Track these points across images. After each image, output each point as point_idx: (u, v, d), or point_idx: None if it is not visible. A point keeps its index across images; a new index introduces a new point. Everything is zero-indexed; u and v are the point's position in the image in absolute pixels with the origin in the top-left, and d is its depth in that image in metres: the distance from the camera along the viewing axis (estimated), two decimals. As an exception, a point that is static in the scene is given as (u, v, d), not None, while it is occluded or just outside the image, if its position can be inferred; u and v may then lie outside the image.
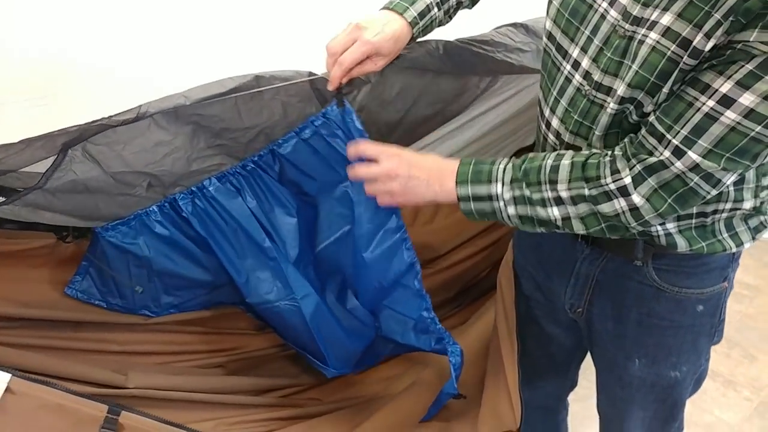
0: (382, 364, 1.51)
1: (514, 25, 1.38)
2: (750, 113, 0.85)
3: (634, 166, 0.96)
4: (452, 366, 1.26)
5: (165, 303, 1.34)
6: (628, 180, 0.97)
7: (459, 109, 1.49)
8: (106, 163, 1.10)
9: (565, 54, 1.07)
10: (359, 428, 1.27)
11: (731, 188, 1.03)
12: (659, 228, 1.06)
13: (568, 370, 1.51)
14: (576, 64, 1.05)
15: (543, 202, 1.04)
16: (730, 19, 0.84)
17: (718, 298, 1.17)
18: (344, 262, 1.33)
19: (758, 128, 0.86)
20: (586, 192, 1.00)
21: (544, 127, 1.14)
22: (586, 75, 1.03)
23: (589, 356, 1.41)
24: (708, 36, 0.87)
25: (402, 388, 1.42)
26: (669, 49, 0.90)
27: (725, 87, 0.86)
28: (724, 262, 1.14)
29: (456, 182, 1.09)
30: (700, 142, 0.90)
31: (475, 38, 1.31)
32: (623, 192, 0.98)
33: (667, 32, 0.90)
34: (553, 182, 1.03)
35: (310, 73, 1.18)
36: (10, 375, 0.90)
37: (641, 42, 0.94)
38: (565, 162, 1.02)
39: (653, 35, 0.92)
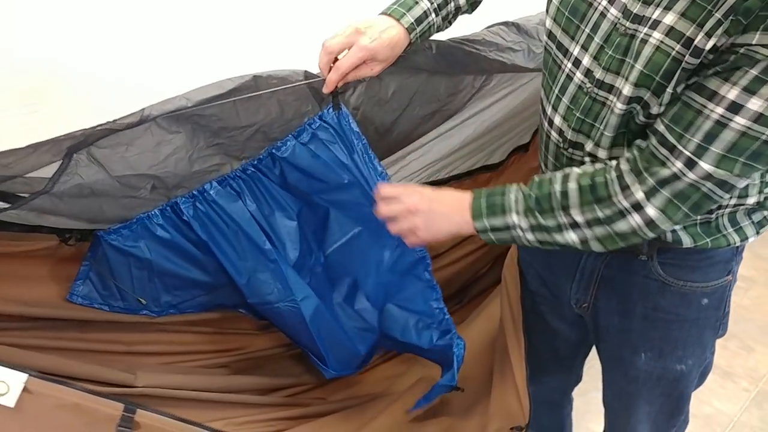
0: (384, 363, 1.54)
1: (505, 24, 1.40)
2: (759, 117, 0.87)
3: (647, 179, 0.97)
4: (456, 358, 1.28)
5: (164, 302, 1.36)
6: (640, 195, 0.98)
7: (455, 109, 1.52)
8: (111, 166, 1.12)
9: (565, 52, 1.09)
10: (366, 427, 1.30)
11: None
12: None
13: (573, 364, 1.53)
14: (577, 62, 1.07)
15: (559, 228, 1.06)
16: (731, 18, 0.86)
17: (723, 292, 1.19)
18: (356, 263, 1.35)
19: None
20: (600, 214, 1.02)
21: (546, 124, 1.16)
22: (588, 73, 1.05)
23: (593, 351, 1.43)
24: (708, 35, 0.88)
25: (406, 386, 1.44)
26: (674, 49, 0.92)
27: (732, 93, 0.88)
28: (728, 256, 1.15)
29: (472, 217, 1.11)
30: (712, 148, 0.91)
31: (467, 38, 1.33)
32: (637, 207, 0.99)
33: (670, 32, 0.92)
34: (566, 208, 1.04)
35: (306, 72, 1.20)
36: (27, 375, 0.92)
37: (644, 41, 0.95)
38: (572, 186, 1.04)
39: (657, 34, 0.93)
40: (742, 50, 0.86)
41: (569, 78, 1.09)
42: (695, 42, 0.89)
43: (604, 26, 1.02)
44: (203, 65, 1.74)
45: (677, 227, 1.08)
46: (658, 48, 0.93)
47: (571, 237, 1.06)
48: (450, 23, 1.28)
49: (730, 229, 1.11)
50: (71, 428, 0.96)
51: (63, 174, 1.08)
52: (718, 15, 0.87)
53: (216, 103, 1.11)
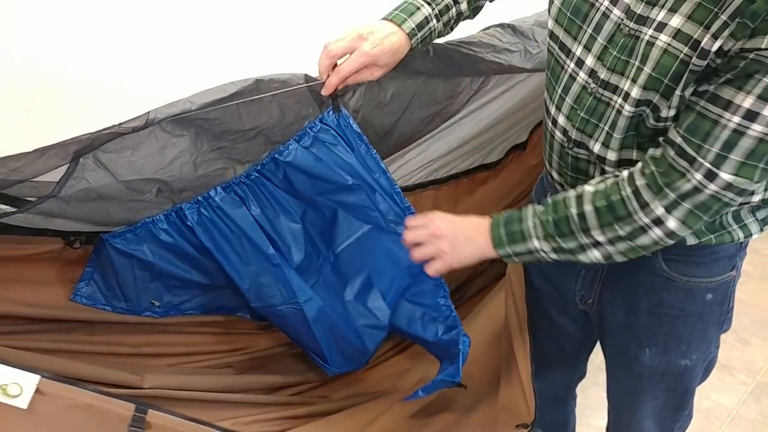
0: (388, 360, 1.56)
1: (501, 25, 1.42)
2: None
3: (668, 194, 0.98)
4: (461, 354, 1.29)
5: (166, 302, 1.38)
6: (660, 210, 0.99)
7: (454, 111, 1.54)
8: (117, 170, 1.13)
9: (568, 52, 1.10)
10: (372, 425, 1.31)
11: None
12: None
13: (577, 360, 1.54)
14: (580, 62, 1.08)
15: (582, 248, 1.08)
16: (737, 20, 0.87)
17: (727, 287, 1.21)
18: (370, 260, 1.36)
19: None
20: (621, 232, 1.03)
21: (550, 124, 1.17)
22: (592, 73, 1.06)
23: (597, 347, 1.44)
24: (715, 37, 0.89)
25: (410, 383, 1.45)
26: (681, 51, 0.93)
27: (747, 102, 0.89)
28: (732, 251, 1.17)
29: (493, 246, 1.14)
30: (731, 156, 0.92)
31: (464, 40, 1.35)
32: (657, 222, 1.00)
33: (678, 34, 0.93)
34: (586, 230, 1.06)
35: (306, 76, 1.22)
36: (39, 377, 0.93)
37: (651, 43, 0.96)
38: (588, 208, 1.05)
39: (664, 37, 0.94)
40: (751, 55, 0.87)
41: (572, 78, 1.10)
42: (702, 44, 0.91)
43: (607, 27, 1.03)
44: (203, 68, 1.74)
45: None
46: (665, 51, 0.95)
47: (595, 255, 1.08)
48: (452, 29, 1.29)
49: (735, 226, 1.12)
50: (83, 429, 0.97)
51: (70, 178, 1.10)
52: (723, 17, 0.88)
53: (220, 106, 1.12)
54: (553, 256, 1.11)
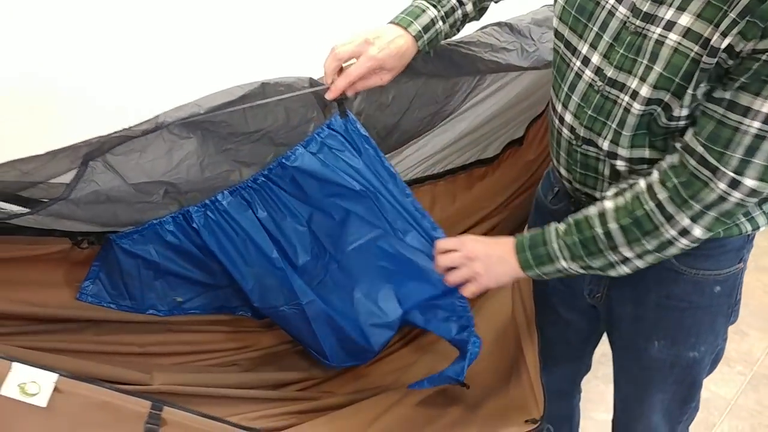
0: (393, 354, 1.56)
1: (498, 24, 1.44)
2: None
3: (693, 206, 1.00)
4: (469, 355, 1.31)
5: (169, 300, 1.41)
6: (686, 222, 1.02)
7: (452, 109, 1.56)
8: (126, 173, 1.15)
9: (574, 50, 1.12)
10: (379, 420, 1.32)
11: None
12: None
13: (583, 354, 1.56)
14: (586, 60, 1.09)
15: (611, 265, 1.11)
16: (746, 19, 0.88)
17: (735, 279, 1.23)
18: (378, 263, 1.36)
19: None
20: (649, 246, 1.06)
21: (557, 122, 1.19)
22: (598, 71, 1.08)
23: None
24: (724, 34, 0.91)
25: (415, 377, 1.45)
26: (692, 50, 0.95)
27: (766, 107, 0.91)
28: (739, 244, 1.19)
29: (521, 268, 1.17)
30: (755, 161, 0.94)
31: (462, 40, 1.37)
32: (684, 233, 1.03)
33: (688, 33, 0.94)
34: (614, 248, 1.08)
35: (311, 79, 1.24)
36: (57, 375, 0.95)
37: (660, 42, 0.98)
38: (613, 226, 1.07)
39: (674, 36, 0.96)
40: (764, 56, 0.89)
41: (578, 76, 1.11)
42: (711, 42, 0.92)
43: (613, 24, 1.05)
44: (206, 72, 1.77)
45: None
46: (676, 50, 0.96)
47: (624, 269, 1.11)
48: (458, 30, 1.31)
49: (743, 219, 1.14)
50: (101, 426, 0.98)
51: (80, 181, 1.11)
52: (732, 15, 0.90)
53: (227, 110, 1.14)
54: (582, 271, 1.14)
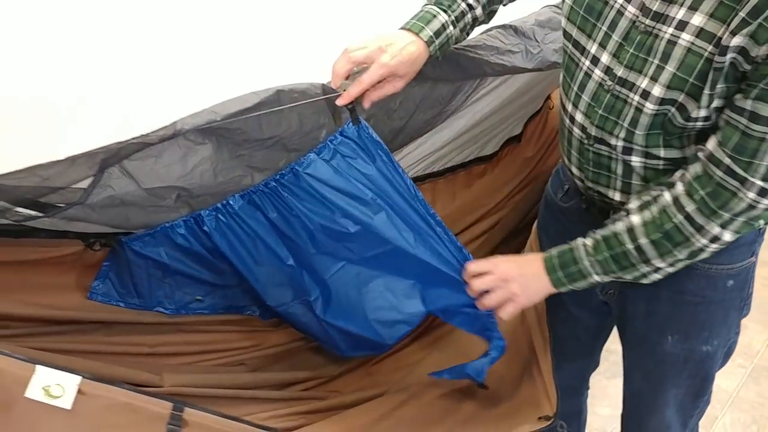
0: (400, 351, 1.58)
1: (503, 27, 1.46)
2: None
3: (722, 215, 1.02)
4: (490, 358, 1.32)
5: (177, 298, 1.43)
6: (717, 230, 1.04)
7: (454, 109, 1.58)
8: (141, 178, 1.18)
9: (582, 50, 1.13)
10: (389, 417, 1.34)
11: None
12: None
13: (593, 351, 1.59)
14: (595, 60, 1.11)
15: (644, 276, 1.14)
16: (759, 22, 0.90)
17: (747, 272, 1.25)
18: (398, 265, 1.35)
19: None
20: (680, 255, 1.09)
21: (568, 121, 1.21)
22: (608, 70, 1.09)
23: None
24: (733, 33, 0.92)
25: (423, 375, 1.48)
26: (706, 50, 0.96)
27: None
28: (751, 237, 1.22)
29: (553, 285, 1.19)
30: None
31: (468, 43, 1.39)
32: (714, 240, 1.06)
33: (701, 33, 0.96)
34: (647, 261, 1.11)
35: (323, 86, 1.25)
36: (80, 377, 0.97)
37: (672, 42, 0.99)
38: (644, 241, 1.09)
39: (686, 36, 0.98)
40: None
41: (588, 75, 1.13)
42: (722, 41, 0.94)
43: (622, 24, 1.06)
44: (210, 78, 1.77)
45: None
46: (689, 50, 0.98)
47: (656, 277, 1.14)
48: (467, 34, 1.33)
49: None
50: (124, 428, 1.00)
51: (97, 186, 1.14)
52: (742, 14, 0.91)
53: (243, 117, 1.16)
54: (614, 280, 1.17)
